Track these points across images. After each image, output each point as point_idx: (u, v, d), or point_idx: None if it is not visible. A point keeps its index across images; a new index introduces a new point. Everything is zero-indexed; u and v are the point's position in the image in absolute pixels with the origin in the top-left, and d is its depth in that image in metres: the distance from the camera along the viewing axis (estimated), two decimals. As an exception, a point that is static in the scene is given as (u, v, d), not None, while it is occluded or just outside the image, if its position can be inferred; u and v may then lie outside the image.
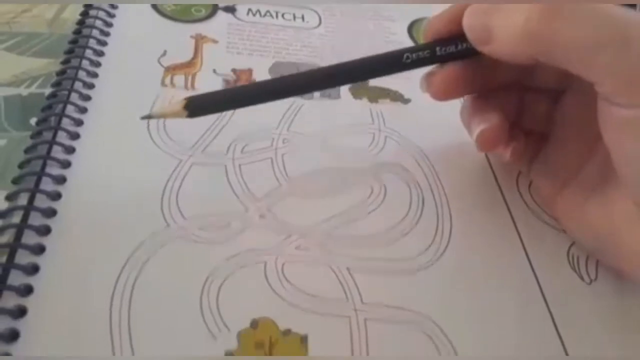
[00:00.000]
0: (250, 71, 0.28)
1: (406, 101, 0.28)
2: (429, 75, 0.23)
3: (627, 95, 0.17)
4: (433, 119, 0.27)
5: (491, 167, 0.25)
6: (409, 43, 0.33)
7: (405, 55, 0.21)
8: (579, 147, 0.22)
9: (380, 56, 0.22)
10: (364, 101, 0.28)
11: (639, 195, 0.19)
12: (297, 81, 0.21)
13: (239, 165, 0.23)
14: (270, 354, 0.18)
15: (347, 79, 0.22)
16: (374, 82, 0.28)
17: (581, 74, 0.18)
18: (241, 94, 0.21)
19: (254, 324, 0.18)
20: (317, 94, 0.27)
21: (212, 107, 0.21)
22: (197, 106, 0.20)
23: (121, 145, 0.23)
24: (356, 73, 0.22)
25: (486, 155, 0.26)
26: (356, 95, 0.28)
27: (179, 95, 0.25)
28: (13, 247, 0.18)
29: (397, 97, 0.28)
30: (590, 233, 0.21)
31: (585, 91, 0.19)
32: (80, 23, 0.28)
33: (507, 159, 0.23)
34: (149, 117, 0.21)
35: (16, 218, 0.19)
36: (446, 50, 0.22)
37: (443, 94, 0.23)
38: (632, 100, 0.17)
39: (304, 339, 0.18)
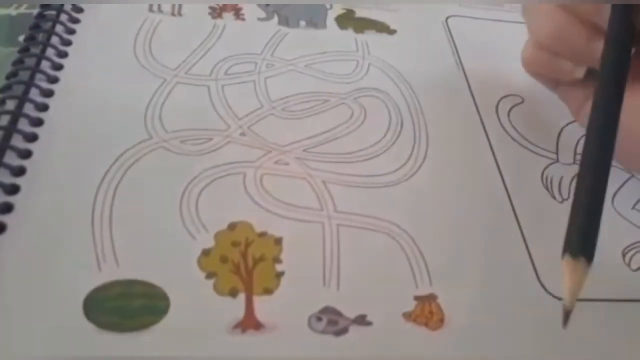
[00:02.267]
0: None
1: (392, 32, 0.28)
2: None
3: None
4: (417, 49, 0.27)
5: (471, 93, 0.26)
6: None
7: None
8: None
9: None
10: (350, 31, 0.28)
11: None
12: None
13: (222, 86, 0.24)
14: (246, 252, 0.19)
15: None
16: (360, 14, 0.28)
17: None
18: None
19: (232, 226, 0.19)
20: (302, 22, 0.27)
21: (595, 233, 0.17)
22: (591, 246, 0.17)
23: (107, 65, 0.23)
24: None
25: (467, 81, 0.26)
26: (342, 25, 0.28)
27: (165, 20, 0.26)
28: (2, 146, 0.19)
29: (383, 28, 0.28)
30: None
31: None
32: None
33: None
34: (568, 315, 0.16)
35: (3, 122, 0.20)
36: None
37: None
38: None
39: (278, 241, 0.19)
